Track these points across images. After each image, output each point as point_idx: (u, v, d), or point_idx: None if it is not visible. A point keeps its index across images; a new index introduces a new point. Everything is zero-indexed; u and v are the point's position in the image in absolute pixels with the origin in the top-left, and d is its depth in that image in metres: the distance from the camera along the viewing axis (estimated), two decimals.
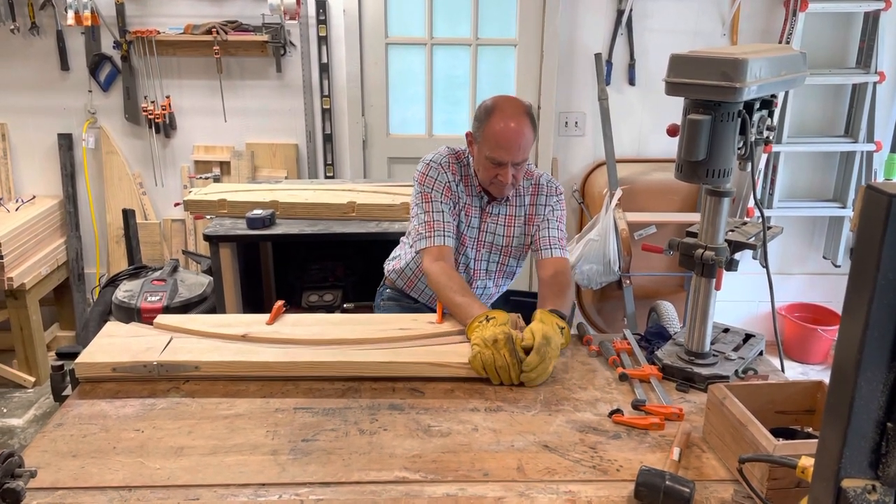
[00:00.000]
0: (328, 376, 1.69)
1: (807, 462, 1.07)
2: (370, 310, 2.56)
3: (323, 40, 3.60)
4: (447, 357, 1.69)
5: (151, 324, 1.87)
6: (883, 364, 0.68)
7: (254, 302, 2.99)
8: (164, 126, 3.70)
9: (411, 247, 2.18)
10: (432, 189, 2.10)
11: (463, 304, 1.84)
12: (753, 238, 1.70)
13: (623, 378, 1.69)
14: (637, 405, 1.56)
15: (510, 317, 1.78)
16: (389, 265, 2.39)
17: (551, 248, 2.13)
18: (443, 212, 2.08)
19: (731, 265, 1.65)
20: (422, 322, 1.90)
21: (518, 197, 2.18)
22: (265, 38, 3.49)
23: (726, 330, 1.87)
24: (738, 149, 1.54)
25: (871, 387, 0.68)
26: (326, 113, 3.70)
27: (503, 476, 1.34)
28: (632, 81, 3.65)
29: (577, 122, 3.73)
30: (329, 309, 2.85)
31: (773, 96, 1.58)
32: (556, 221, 2.18)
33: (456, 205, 2.13)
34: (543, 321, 1.74)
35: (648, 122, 3.72)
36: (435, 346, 1.76)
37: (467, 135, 2.12)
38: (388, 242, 2.69)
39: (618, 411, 1.54)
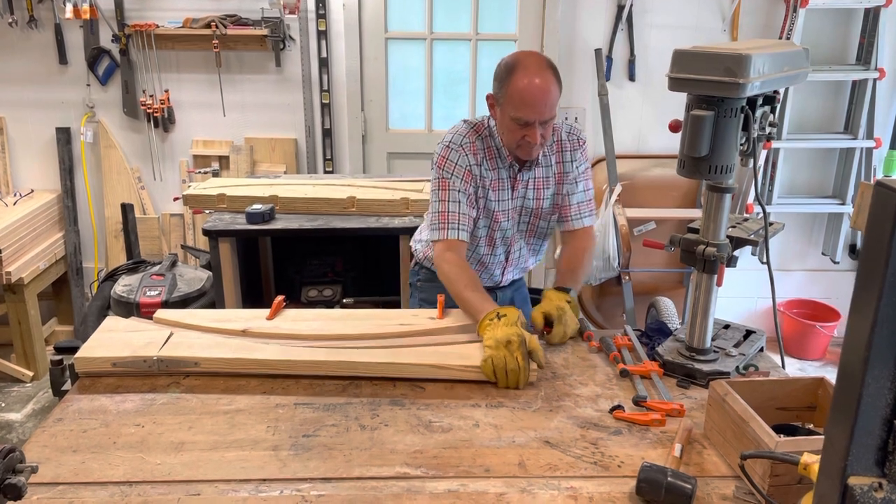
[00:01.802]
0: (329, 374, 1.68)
1: (809, 459, 1.07)
2: (370, 305, 2.55)
3: (322, 35, 3.58)
4: (448, 359, 1.68)
5: (150, 318, 1.87)
6: (891, 361, 0.67)
7: (253, 297, 2.98)
8: (163, 120, 3.69)
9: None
10: (451, 174, 1.97)
11: (473, 300, 1.82)
12: (754, 234, 1.70)
13: (624, 374, 1.69)
14: (638, 401, 1.56)
15: (520, 314, 1.75)
16: (418, 246, 2.29)
17: (581, 217, 2.10)
18: (459, 202, 1.97)
19: (731, 261, 1.65)
20: (422, 318, 1.89)
21: (544, 157, 2.04)
22: (264, 32, 3.48)
23: (727, 326, 1.87)
24: (741, 145, 1.54)
25: (878, 384, 0.68)
26: (326, 108, 3.69)
27: (504, 472, 1.34)
28: (632, 77, 3.64)
29: (576, 118, 3.72)
30: (328, 304, 2.85)
31: (776, 92, 1.58)
32: (584, 181, 2.09)
33: (479, 188, 2.01)
34: (549, 298, 1.91)
35: (648, 118, 3.71)
36: (436, 347, 1.75)
37: (488, 97, 1.96)
38: (387, 237, 2.68)
39: (619, 407, 1.54)
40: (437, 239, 1.98)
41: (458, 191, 1.97)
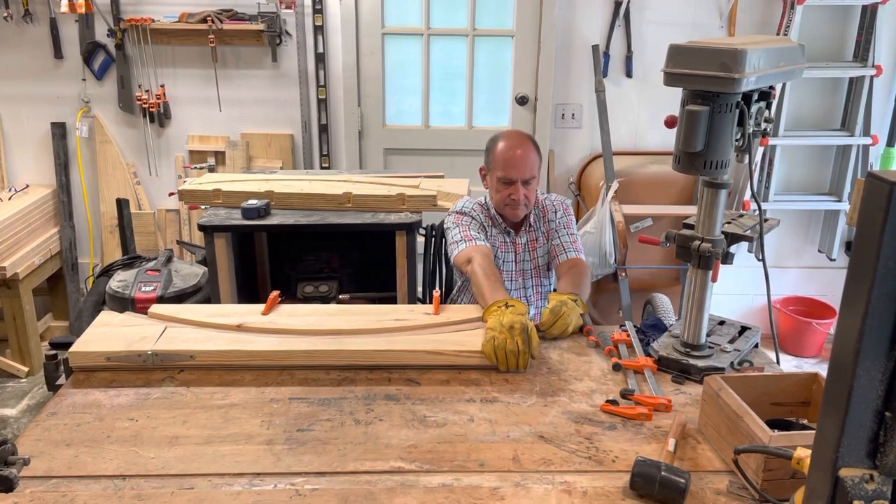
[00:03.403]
0: (324, 366, 1.68)
1: (802, 453, 1.07)
2: (366, 301, 2.56)
3: (319, 30, 3.57)
4: (443, 345, 1.69)
5: (145, 314, 1.86)
6: (882, 353, 0.67)
7: (249, 293, 2.97)
8: (159, 115, 3.68)
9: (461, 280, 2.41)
10: (469, 224, 2.27)
11: (486, 287, 1.92)
12: (750, 230, 1.70)
13: (616, 368, 1.69)
14: (625, 394, 1.56)
15: (527, 309, 1.80)
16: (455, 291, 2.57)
17: (566, 252, 2.31)
18: (476, 230, 2.26)
19: (727, 258, 1.65)
20: (418, 313, 1.90)
21: (534, 224, 2.36)
22: (261, 27, 3.47)
23: (722, 322, 1.87)
24: (736, 140, 1.54)
25: (869, 376, 0.68)
26: (322, 103, 3.68)
27: (499, 466, 1.34)
28: (629, 73, 3.64)
29: (573, 115, 3.72)
30: (324, 300, 2.84)
31: (772, 88, 1.58)
32: (565, 228, 2.35)
33: (488, 239, 2.27)
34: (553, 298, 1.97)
35: (645, 115, 3.71)
36: (431, 335, 1.76)
37: (480, 169, 2.33)
38: (384, 233, 2.67)
39: (613, 401, 1.54)
40: (463, 248, 2.20)
41: (476, 230, 2.26)
